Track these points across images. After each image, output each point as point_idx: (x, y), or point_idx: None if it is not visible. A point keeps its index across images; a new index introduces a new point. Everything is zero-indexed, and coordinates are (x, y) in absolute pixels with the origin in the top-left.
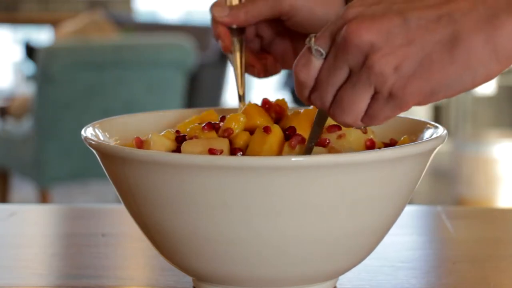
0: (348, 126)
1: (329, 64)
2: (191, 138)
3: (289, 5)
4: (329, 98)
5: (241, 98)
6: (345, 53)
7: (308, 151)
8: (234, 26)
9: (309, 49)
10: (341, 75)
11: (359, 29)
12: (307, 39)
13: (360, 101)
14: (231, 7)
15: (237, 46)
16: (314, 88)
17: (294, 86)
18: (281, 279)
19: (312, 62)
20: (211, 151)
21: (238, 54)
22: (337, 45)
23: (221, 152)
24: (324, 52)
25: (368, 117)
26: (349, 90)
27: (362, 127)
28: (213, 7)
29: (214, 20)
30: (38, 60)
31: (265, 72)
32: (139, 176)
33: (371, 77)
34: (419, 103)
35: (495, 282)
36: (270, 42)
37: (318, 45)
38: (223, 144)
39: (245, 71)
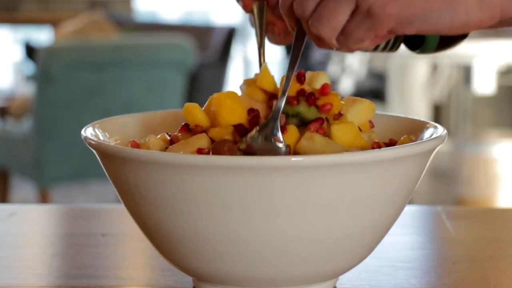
0: (323, 41)
1: None
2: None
3: None
4: (311, 6)
5: (261, 62)
6: None
7: (282, 96)
8: None
9: None
10: None
11: None
12: None
13: (340, 14)
14: None
15: (258, 9)
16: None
17: None
18: (281, 279)
19: None
20: (200, 151)
21: (258, 16)
22: None
23: (209, 150)
24: None
25: (343, 35)
26: (332, 0)
27: (334, 49)
28: None
29: None
30: (38, 60)
31: (285, 33)
32: (139, 176)
33: None
34: (392, 29)
35: (495, 282)
36: None
37: None
38: (203, 140)
39: (266, 32)
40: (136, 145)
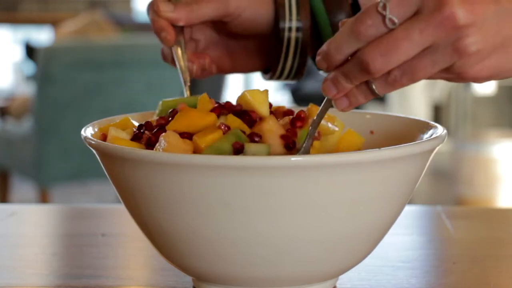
0: (365, 71)
1: (409, 36)
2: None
3: (235, 6)
4: (397, 63)
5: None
6: (439, 31)
7: (310, 140)
8: (181, 24)
9: (379, 13)
10: (421, 48)
11: (464, 10)
12: (379, 4)
13: (431, 72)
14: (176, 5)
15: (180, 41)
16: (377, 51)
17: (340, 35)
18: (281, 279)
19: (379, 28)
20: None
21: (180, 49)
22: (428, 21)
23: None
24: (397, 23)
25: (402, 70)
26: (428, 64)
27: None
28: (157, 2)
29: (157, 14)
30: (38, 60)
31: (202, 71)
32: (139, 176)
33: (454, 56)
34: (477, 78)
35: (495, 282)
36: (205, 47)
37: (393, 15)
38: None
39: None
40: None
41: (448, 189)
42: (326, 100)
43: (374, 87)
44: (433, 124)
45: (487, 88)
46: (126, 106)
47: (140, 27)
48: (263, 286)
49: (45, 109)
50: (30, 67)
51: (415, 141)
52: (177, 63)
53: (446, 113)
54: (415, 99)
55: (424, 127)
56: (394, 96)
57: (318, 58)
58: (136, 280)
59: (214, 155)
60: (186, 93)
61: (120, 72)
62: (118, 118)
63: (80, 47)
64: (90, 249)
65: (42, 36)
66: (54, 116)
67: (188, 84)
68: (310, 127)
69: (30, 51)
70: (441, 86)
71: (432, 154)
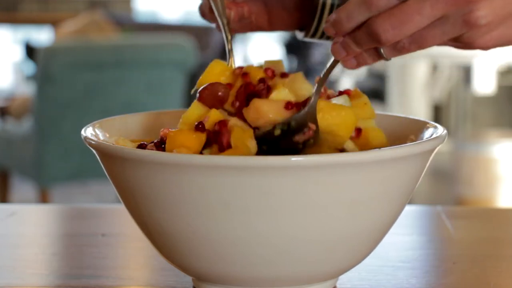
0: (376, 40)
1: (420, 9)
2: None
3: None
4: (408, 34)
5: (230, 51)
6: (451, 5)
7: (317, 92)
8: None
9: None
10: (431, 20)
11: None
12: None
13: (439, 41)
14: None
15: None
16: (388, 22)
17: (351, 4)
18: (281, 279)
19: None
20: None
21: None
22: None
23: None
24: None
25: (413, 39)
26: (437, 34)
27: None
28: None
29: None
30: (38, 60)
31: (240, 20)
32: (139, 176)
33: (464, 29)
34: (480, 45)
35: (495, 282)
36: (243, 2)
37: None
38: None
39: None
40: None
41: (448, 189)
42: (333, 59)
43: (382, 51)
44: (433, 124)
45: (487, 88)
46: (126, 106)
47: (140, 27)
48: (263, 286)
49: (45, 109)
50: (30, 67)
51: (415, 141)
52: (214, 9)
53: (446, 113)
54: (415, 99)
55: (424, 127)
56: (394, 96)
57: (327, 25)
58: (136, 280)
59: (214, 155)
60: (228, 47)
61: (120, 72)
62: (118, 118)
63: (80, 47)
64: (90, 249)
65: (42, 36)
66: (54, 116)
67: (229, 37)
68: (317, 85)
69: (30, 51)
70: (441, 86)
71: (432, 154)
